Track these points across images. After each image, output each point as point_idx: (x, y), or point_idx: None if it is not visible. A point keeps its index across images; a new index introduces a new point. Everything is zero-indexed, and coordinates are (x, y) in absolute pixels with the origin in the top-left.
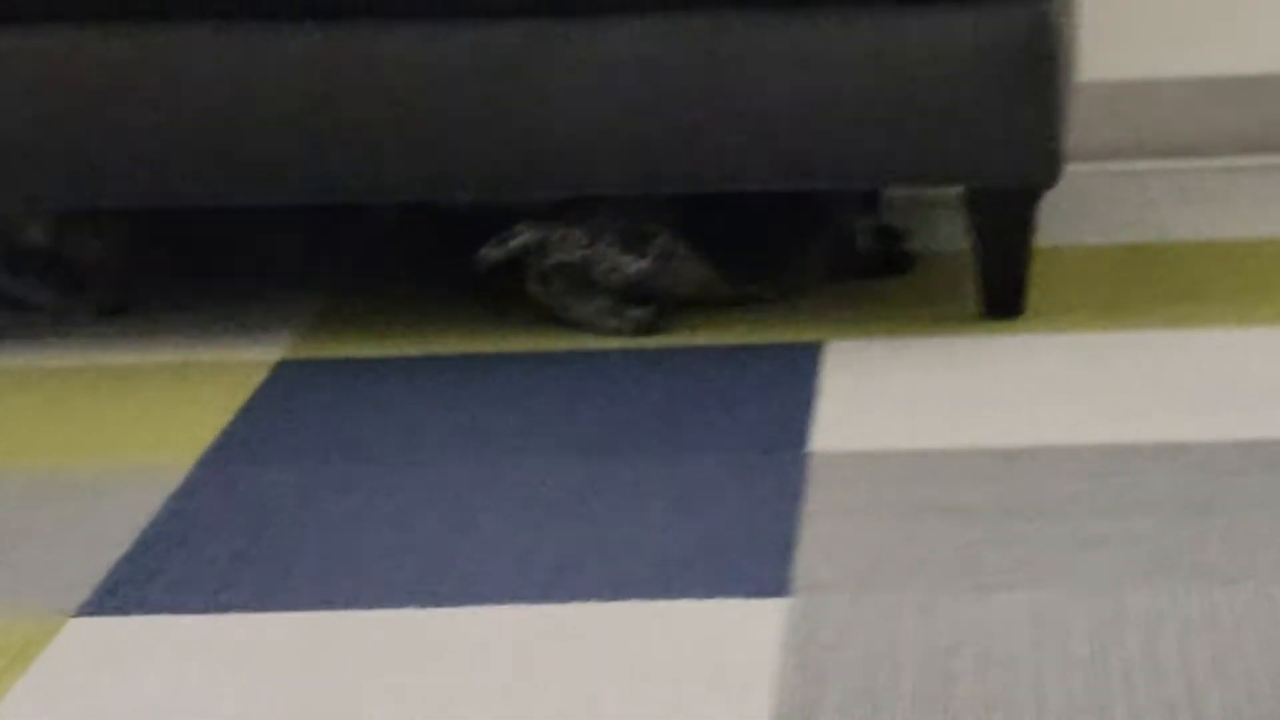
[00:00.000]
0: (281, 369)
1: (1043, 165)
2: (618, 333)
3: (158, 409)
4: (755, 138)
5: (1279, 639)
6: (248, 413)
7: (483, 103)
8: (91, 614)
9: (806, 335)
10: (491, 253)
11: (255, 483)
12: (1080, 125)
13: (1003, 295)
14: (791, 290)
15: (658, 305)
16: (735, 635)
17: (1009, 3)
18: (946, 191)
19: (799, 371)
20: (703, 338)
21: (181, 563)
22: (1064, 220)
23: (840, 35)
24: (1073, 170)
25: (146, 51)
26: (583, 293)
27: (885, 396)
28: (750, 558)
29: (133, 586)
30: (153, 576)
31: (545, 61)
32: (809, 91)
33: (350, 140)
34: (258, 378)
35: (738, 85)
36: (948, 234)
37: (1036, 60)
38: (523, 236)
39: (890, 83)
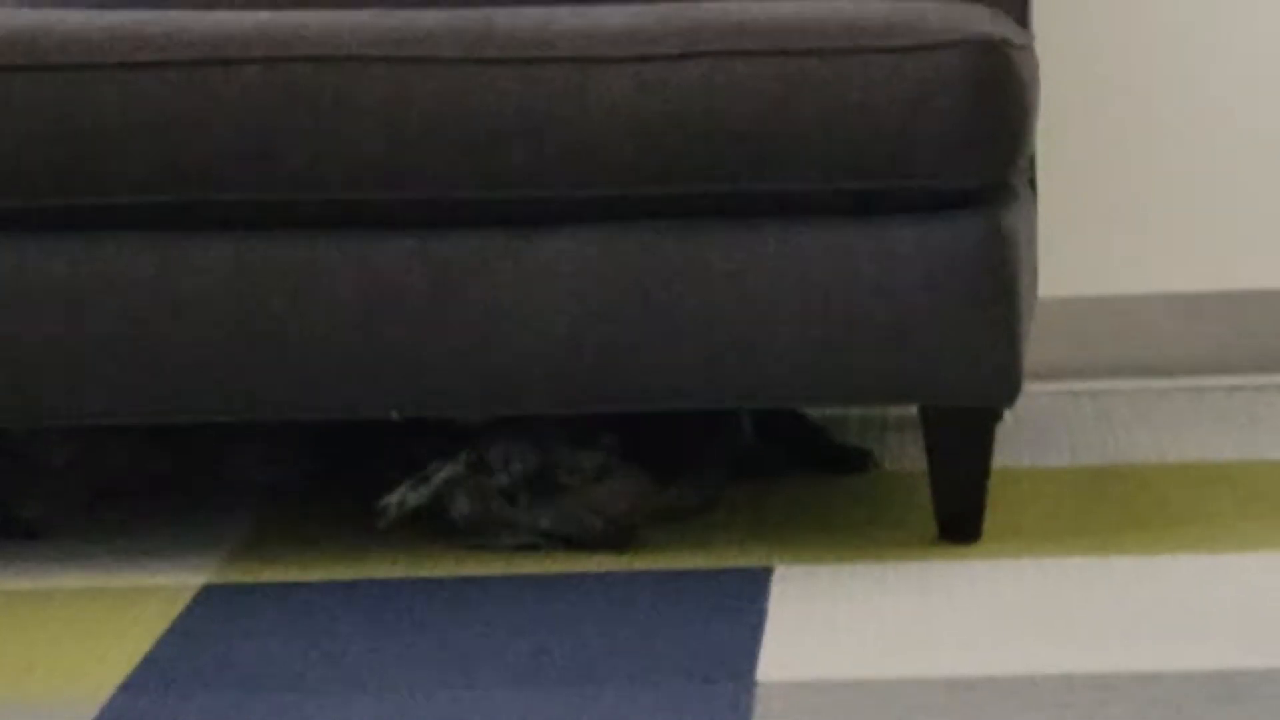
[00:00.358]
0: (206, 593)
1: (1000, 384)
2: (593, 542)
3: (71, 636)
4: (699, 355)
5: None
6: (169, 640)
7: (417, 316)
8: None
9: (754, 559)
10: (409, 496)
11: (176, 716)
12: (1038, 344)
13: (959, 519)
14: (710, 497)
15: (627, 513)
16: None
17: (962, 214)
18: (898, 411)
19: (746, 597)
20: (643, 561)
21: None
22: (1022, 440)
23: (784, 249)
24: (1031, 389)
25: (75, 262)
26: (544, 502)
27: (835, 624)
28: None
29: None
30: None
31: (483, 274)
32: (753, 308)
33: (277, 354)
34: (181, 603)
35: (680, 300)
36: (901, 453)
37: (992, 274)
38: (443, 471)
39: (836, 299)
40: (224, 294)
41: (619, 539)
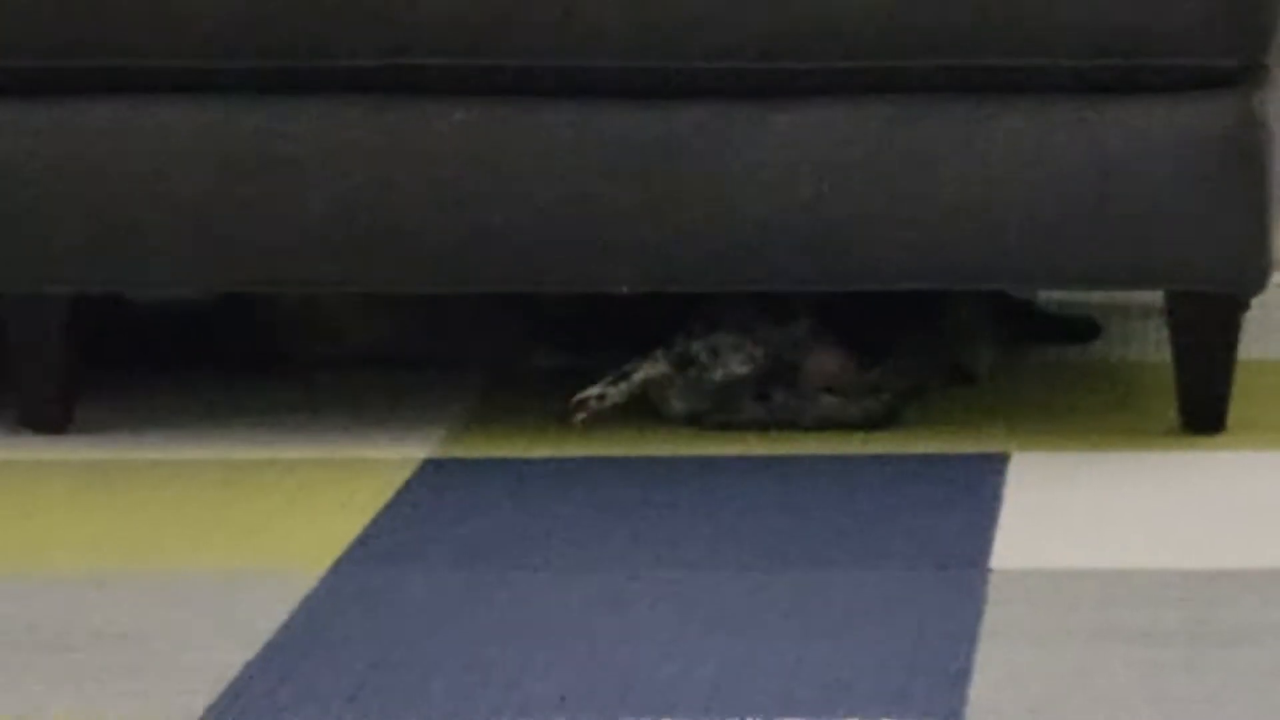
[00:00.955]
0: (427, 467)
1: (1249, 270)
2: (859, 424)
3: (293, 507)
4: (941, 233)
5: None
6: (389, 514)
7: (646, 189)
8: (218, 717)
9: (992, 446)
10: (609, 391)
11: (394, 588)
12: None
13: (1202, 409)
14: (917, 382)
15: (893, 394)
16: None
17: (1214, 94)
18: (1147, 296)
19: (982, 484)
20: (879, 446)
21: (312, 669)
22: (1270, 332)
23: (1030, 127)
24: None
25: (299, 128)
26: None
27: (1073, 513)
28: (922, 681)
29: (260, 692)
30: (282, 682)
31: (720, 146)
32: (997, 186)
33: (507, 226)
34: (402, 476)
35: (923, 176)
36: (1146, 341)
37: (1244, 158)
38: (641, 371)
39: (1083, 178)
40: (449, 163)
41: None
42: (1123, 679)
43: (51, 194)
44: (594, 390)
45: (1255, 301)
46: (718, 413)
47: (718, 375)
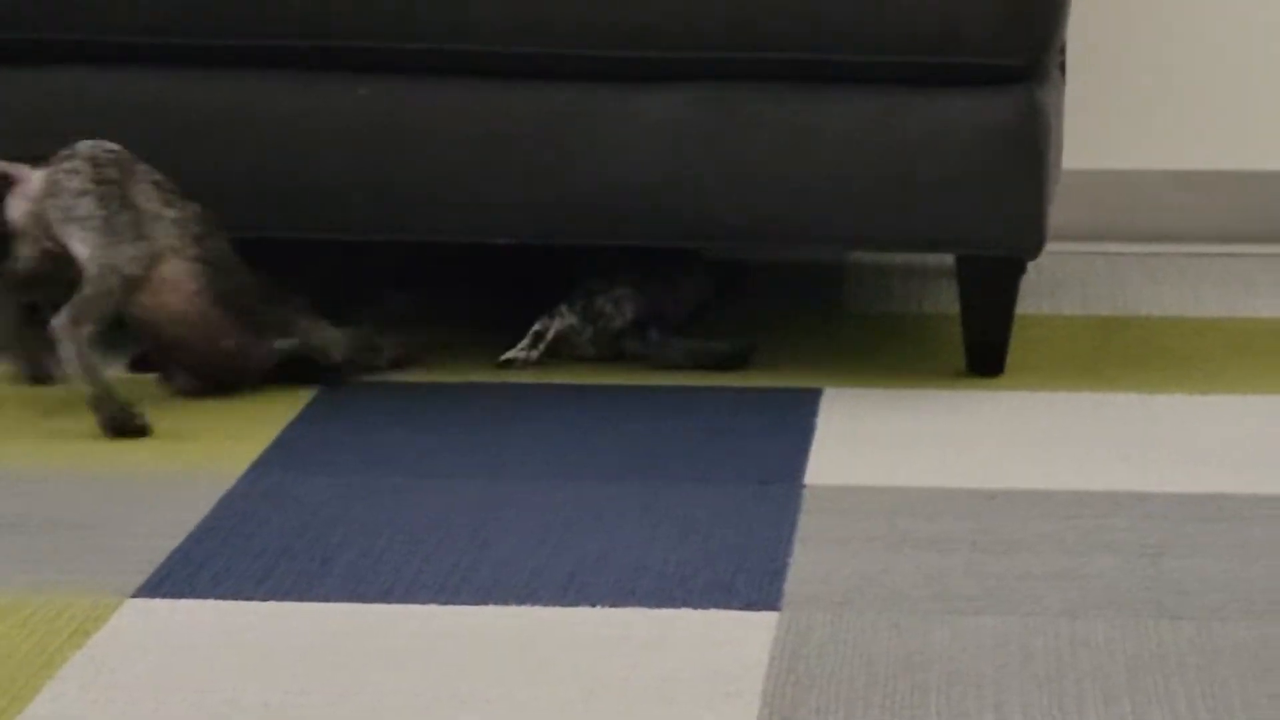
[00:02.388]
0: (323, 393)
1: (1027, 239)
2: (705, 367)
3: (213, 421)
4: (770, 201)
5: (1218, 672)
6: (297, 426)
7: (526, 157)
8: (146, 596)
9: (806, 382)
10: (531, 353)
11: (299, 490)
12: (1060, 209)
13: (985, 355)
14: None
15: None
16: (729, 643)
17: (1003, 89)
18: (938, 258)
19: (799, 414)
20: (712, 380)
21: (229, 556)
22: (1043, 292)
23: (848, 111)
24: (1052, 248)
25: (234, 98)
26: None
27: (876, 439)
28: (746, 575)
29: (184, 574)
30: (203, 566)
31: (590, 121)
32: (818, 162)
33: (406, 185)
34: (309, 395)
35: (755, 152)
36: (937, 298)
37: (1025, 143)
38: (554, 326)
39: (889, 157)
40: (360, 130)
41: (741, 360)
42: (913, 578)
43: None
44: (519, 354)
45: (1031, 265)
46: (613, 353)
47: (618, 323)
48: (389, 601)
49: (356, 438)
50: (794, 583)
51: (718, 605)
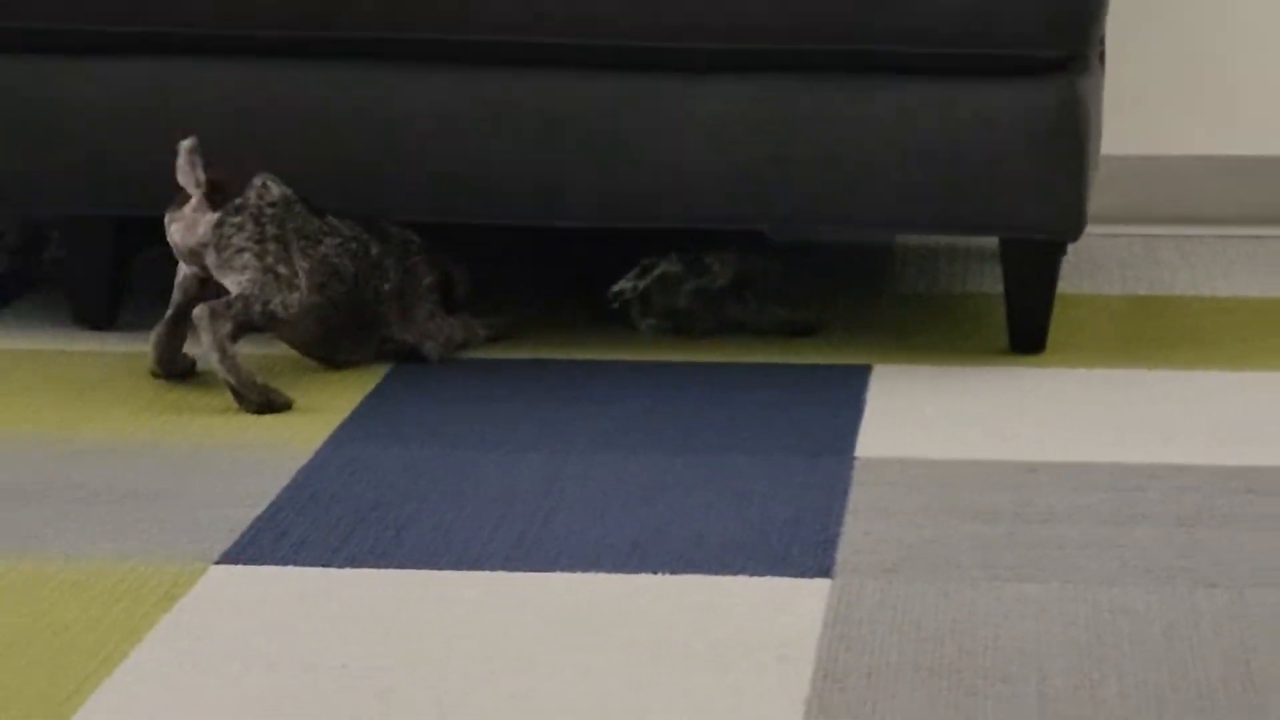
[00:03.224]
0: (397, 368)
1: (1068, 222)
2: (788, 334)
3: (294, 394)
4: (822, 188)
5: (1251, 639)
6: (371, 402)
7: (595, 143)
8: (229, 563)
9: (857, 359)
10: (637, 283)
11: (372, 462)
12: (1099, 193)
13: (1028, 333)
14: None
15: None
16: (784, 609)
17: (1045, 80)
18: (982, 241)
19: (849, 389)
20: (767, 357)
21: (308, 524)
22: (1082, 273)
23: (900, 100)
24: (1091, 231)
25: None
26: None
27: (923, 414)
28: (800, 544)
29: (266, 541)
30: (283, 534)
31: (652, 111)
32: (870, 148)
33: (484, 170)
34: (382, 372)
35: (803, 141)
36: (981, 278)
37: (1067, 130)
38: (659, 267)
39: (939, 144)
40: (441, 118)
41: (816, 329)
42: (959, 547)
43: (112, 139)
44: (626, 285)
45: (1071, 247)
46: (706, 310)
47: (721, 281)
48: (459, 569)
49: (428, 412)
50: (845, 551)
51: (773, 573)
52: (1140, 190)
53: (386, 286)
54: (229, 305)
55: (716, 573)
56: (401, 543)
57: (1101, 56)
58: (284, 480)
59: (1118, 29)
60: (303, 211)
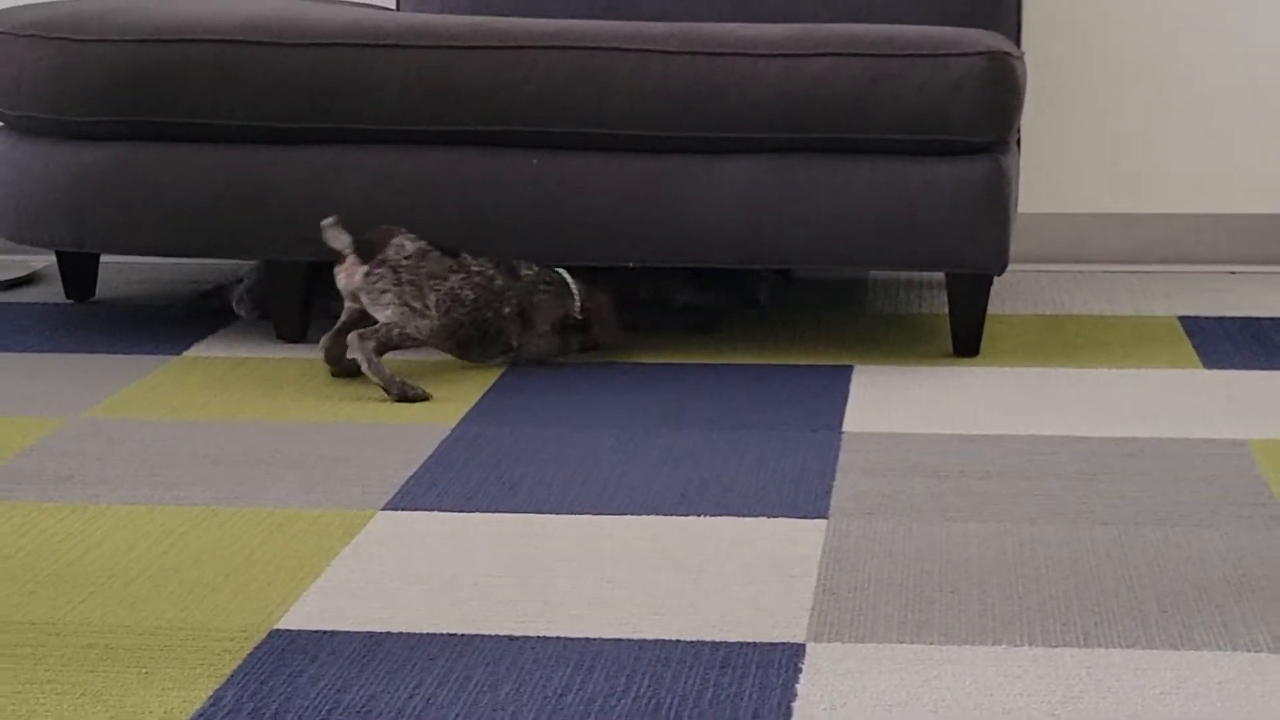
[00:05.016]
0: (510, 370)
1: (995, 261)
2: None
3: (435, 387)
4: (815, 236)
5: (1134, 562)
6: (489, 396)
7: (643, 205)
8: (391, 510)
9: (843, 361)
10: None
11: (492, 438)
12: (1017, 240)
13: (966, 342)
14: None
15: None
16: (793, 541)
17: (977, 158)
18: (932, 275)
19: (837, 382)
20: (770, 358)
21: (447, 481)
22: (1005, 297)
23: (871, 174)
24: (1013, 268)
25: (439, 165)
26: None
27: (892, 400)
28: (804, 494)
29: (417, 494)
30: (429, 488)
31: (682, 181)
32: (851, 207)
33: (565, 224)
34: (498, 371)
35: (805, 201)
36: (932, 303)
37: (993, 194)
38: (685, 294)
39: (900, 203)
40: (532, 188)
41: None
42: (920, 496)
43: (301, 205)
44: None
45: (997, 279)
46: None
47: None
48: (557, 513)
49: (532, 401)
50: (837, 500)
51: (784, 515)
52: (1047, 238)
53: (507, 310)
54: (375, 331)
55: (742, 515)
56: (515, 495)
57: (1018, 141)
58: (429, 450)
59: (1030, 116)
60: (435, 256)
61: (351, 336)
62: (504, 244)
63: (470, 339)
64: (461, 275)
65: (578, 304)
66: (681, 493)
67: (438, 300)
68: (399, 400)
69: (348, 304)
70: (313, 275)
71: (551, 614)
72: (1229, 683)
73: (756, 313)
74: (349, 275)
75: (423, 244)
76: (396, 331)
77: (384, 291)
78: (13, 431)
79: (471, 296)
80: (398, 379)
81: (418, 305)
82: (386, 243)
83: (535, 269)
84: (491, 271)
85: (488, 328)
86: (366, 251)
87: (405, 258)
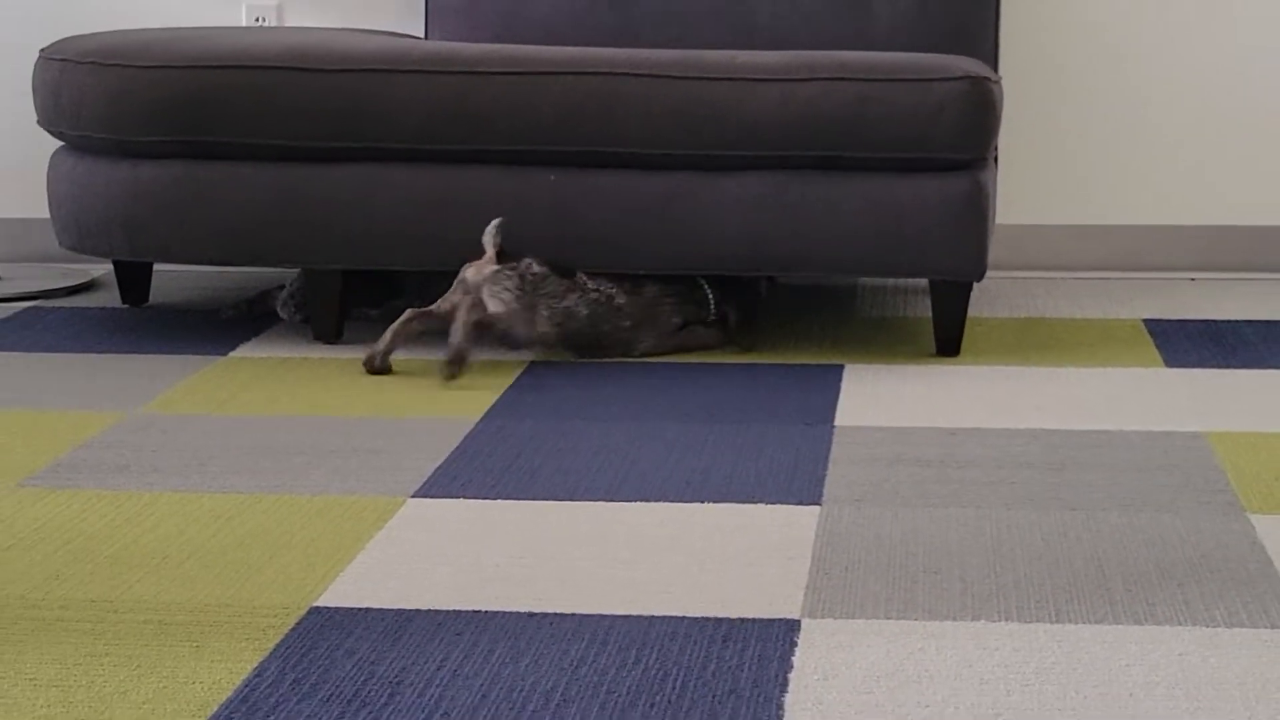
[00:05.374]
0: (532, 366)
1: (975, 268)
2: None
3: (450, 387)
4: (809, 246)
5: (1098, 544)
6: (509, 393)
7: (656, 217)
8: (420, 496)
9: (835, 360)
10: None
11: (514, 430)
12: (995, 249)
13: (948, 343)
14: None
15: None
16: (789, 525)
17: (958, 175)
18: (918, 281)
19: (829, 379)
20: (768, 359)
21: (472, 470)
22: (984, 301)
23: (863, 189)
24: (991, 275)
25: (470, 182)
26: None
27: (880, 396)
28: (799, 482)
29: (444, 482)
30: (456, 477)
31: (692, 196)
32: (843, 220)
33: (581, 234)
34: (519, 370)
35: (801, 215)
36: (917, 307)
37: (973, 207)
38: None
39: (888, 216)
40: (551, 202)
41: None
42: (905, 484)
43: (338, 218)
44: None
45: (977, 285)
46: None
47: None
48: (574, 500)
49: (550, 397)
50: (830, 488)
51: (781, 502)
52: (1023, 248)
53: (626, 323)
54: (485, 310)
55: (743, 501)
56: (534, 483)
57: (995, 159)
58: (455, 441)
59: (1007, 136)
60: (554, 280)
61: (464, 303)
62: (523, 254)
63: (586, 345)
64: (577, 294)
65: (712, 309)
66: (687, 481)
67: (550, 314)
68: (365, 363)
69: (460, 296)
70: (348, 282)
71: (567, 592)
72: (1188, 654)
73: (759, 304)
74: (479, 268)
75: (546, 269)
76: (503, 326)
77: (505, 290)
78: (74, 425)
79: (585, 312)
80: (466, 356)
81: (527, 314)
82: (521, 258)
83: (659, 285)
84: (612, 290)
85: (604, 338)
86: (504, 258)
87: (532, 274)
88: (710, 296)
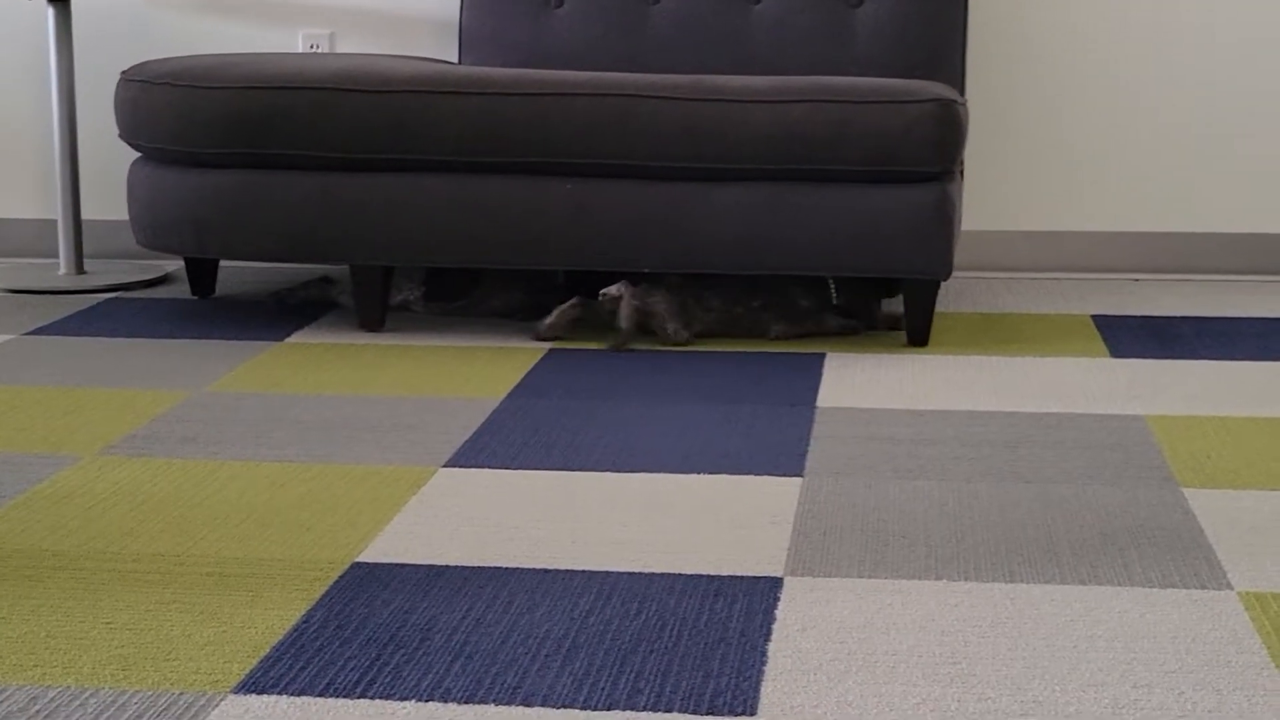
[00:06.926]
0: (552, 351)
1: (942, 269)
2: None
3: (488, 368)
4: (798, 246)
5: (1049, 514)
6: (531, 374)
7: (658, 221)
8: (451, 466)
9: (817, 350)
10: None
11: (534, 409)
12: (960, 252)
13: (919, 334)
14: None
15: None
16: (774, 494)
17: (928, 185)
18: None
19: (811, 366)
20: (757, 347)
21: (497, 444)
22: (950, 299)
23: (843, 197)
24: (957, 275)
25: (491, 190)
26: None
27: (857, 381)
28: (783, 456)
29: (472, 453)
30: (483, 449)
31: (687, 204)
32: (826, 225)
33: (595, 236)
34: (540, 354)
35: (789, 220)
36: (889, 302)
37: (941, 214)
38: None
39: (864, 222)
40: (566, 207)
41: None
42: (878, 459)
43: (379, 221)
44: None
45: (944, 284)
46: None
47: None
48: (585, 470)
49: (565, 380)
50: (811, 461)
51: (767, 473)
52: (985, 251)
53: (757, 303)
54: (656, 305)
55: (733, 473)
56: (551, 455)
57: (961, 171)
58: (481, 418)
59: (971, 151)
60: (692, 303)
61: (631, 291)
62: (544, 254)
63: (718, 332)
64: (711, 311)
65: (834, 297)
66: (685, 455)
67: (689, 322)
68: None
69: (619, 290)
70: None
71: (578, 551)
72: (1127, 612)
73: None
74: (621, 286)
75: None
76: (659, 324)
77: (652, 296)
78: (147, 402)
79: (718, 301)
80: (628, 334)
81: (679, 309)
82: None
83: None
84: (753, 303)
85: (738, 321)
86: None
87: (678, 290)
88: (831, 284)
